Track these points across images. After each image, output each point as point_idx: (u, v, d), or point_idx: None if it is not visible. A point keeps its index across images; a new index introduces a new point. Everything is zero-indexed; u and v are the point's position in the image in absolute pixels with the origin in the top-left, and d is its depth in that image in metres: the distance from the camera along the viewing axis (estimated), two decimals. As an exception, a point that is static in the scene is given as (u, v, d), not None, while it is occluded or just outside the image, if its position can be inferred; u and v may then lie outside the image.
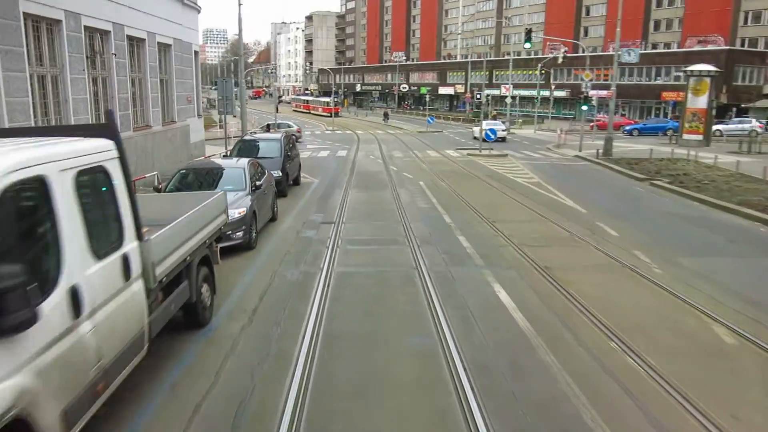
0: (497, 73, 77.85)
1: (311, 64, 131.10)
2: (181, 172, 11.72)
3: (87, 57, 14.26)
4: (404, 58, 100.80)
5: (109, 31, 15.49)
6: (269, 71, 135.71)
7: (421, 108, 76.26)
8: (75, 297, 3.80)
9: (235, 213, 9.61)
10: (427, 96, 73.00)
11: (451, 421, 4.78)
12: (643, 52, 63.91)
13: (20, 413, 3.17)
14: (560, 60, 49.29)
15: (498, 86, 72.84)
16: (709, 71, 31.04)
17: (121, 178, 4.79)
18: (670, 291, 8.01)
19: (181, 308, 6.10)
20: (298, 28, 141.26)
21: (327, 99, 79.33)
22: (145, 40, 18.05)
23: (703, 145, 29.92)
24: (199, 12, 24.20)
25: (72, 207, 3.98)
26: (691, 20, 64.26)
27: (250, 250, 10.17)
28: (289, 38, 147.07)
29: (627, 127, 44.91)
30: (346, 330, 6.73)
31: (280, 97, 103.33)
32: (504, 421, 4.73)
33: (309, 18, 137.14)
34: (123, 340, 4.50)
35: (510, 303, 7.53)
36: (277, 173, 15.13)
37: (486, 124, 35.16)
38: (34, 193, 3.73)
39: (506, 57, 71.97)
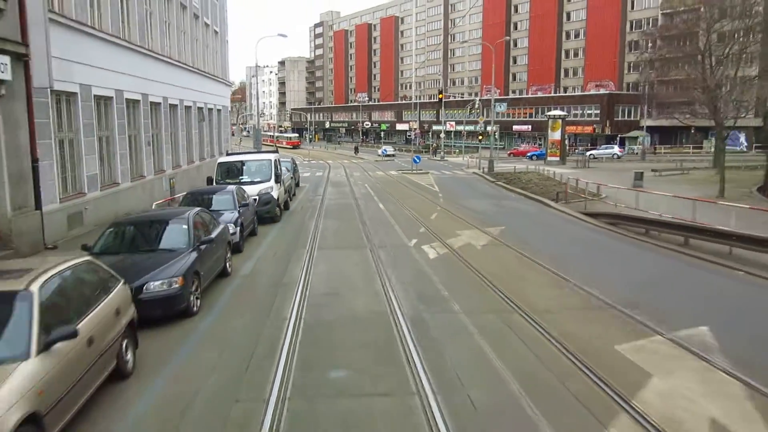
0: (444, 111, 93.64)
1: (284, 104, 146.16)
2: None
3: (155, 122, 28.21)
4: (367, 98, 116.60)
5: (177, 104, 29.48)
6: (245, 113, 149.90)
7: (381, 142, 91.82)
8: None
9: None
10: (385, 132, 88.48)
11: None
12: (550, 95, 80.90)
13: None
14: (476, 105, 64.22)
15: (444, 123, 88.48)
16: (560, 115, 46.55)
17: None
18: (448, 211, 22.21)
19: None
20: (271, 72, 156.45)
21: (290, 135, 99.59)
22: (203, 107, 31.95)
23: (560, 164, 45.05)
24: (229, 86, 38.44)
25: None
26: (590, 69, 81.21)
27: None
28: (263, 80, 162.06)
29: (529, 153, 60.33)
30: (332, 206, 20.69)
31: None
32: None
33: (282, 63, 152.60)
34: None
35: (387, 215, 21.63)
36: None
37: (414, 154, 50.06)
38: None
39: (451, 99, 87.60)
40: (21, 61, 11.98)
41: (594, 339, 7.73)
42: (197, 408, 6.00)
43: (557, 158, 46.28)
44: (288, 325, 8.35)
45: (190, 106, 27.61)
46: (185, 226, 9.65)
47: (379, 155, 63.45)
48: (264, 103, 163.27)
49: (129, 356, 6.68)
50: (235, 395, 6.24)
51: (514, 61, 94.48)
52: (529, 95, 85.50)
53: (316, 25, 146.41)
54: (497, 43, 68.85)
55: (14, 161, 11.93)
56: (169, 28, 24.50)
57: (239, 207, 14.17)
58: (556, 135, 46.07)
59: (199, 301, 9.05)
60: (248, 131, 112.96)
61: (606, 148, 56.37)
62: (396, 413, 5.82)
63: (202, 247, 9.48)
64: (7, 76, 11.36)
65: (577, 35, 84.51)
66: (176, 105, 25.11)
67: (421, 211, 21.08)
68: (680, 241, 15.13)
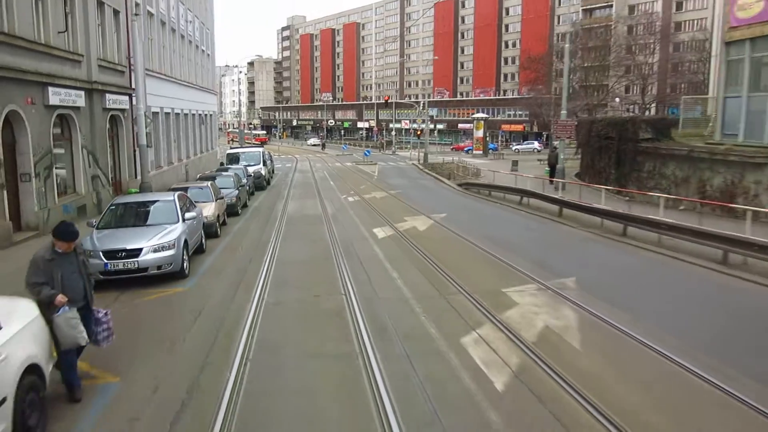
0: (399, 111, 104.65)
1: (253, 103, 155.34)
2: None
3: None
4: (331, 98, 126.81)
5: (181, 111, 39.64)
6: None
7: (344, 138, 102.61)
8: None
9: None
10: (347, 129, 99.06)
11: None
12: (490, 98, 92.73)
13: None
14: (422, 108, 75.09)
15: (400, 121, 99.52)
16: (482, 117, 58.03)
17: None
18: (374, 185, 33.08)
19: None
20: (241, 72, 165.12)
21: (258, 132, 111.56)
22: (202, 113, 42.08)
23: (482, 157, 56.41)
24: (216, 95, 48.54)
25: None
26: (523, 74, 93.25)
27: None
28: (233, 80, 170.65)
29: (466, 149, 71.78)
30: (300, 181, 31.35)
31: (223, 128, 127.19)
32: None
33: (251, 63, 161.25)
34: None
35: (334, 186, 32.37)
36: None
37: (364, 148, 60.86)
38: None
39: (406, 100, 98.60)
40: (129, 95, 22.44)
41: (443, 241, 18.59)
42: (217, 300, 16.45)
43: (481, 152, 57.70)
44: (281, 225, 19.03)
45: (194, 113, 37.88)
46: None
47: (344, 150, 74.12)
48: (234, 101, 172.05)
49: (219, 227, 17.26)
50: (233, 301, 16.38)
51: (462, 66, 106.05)
52: (473, 97, 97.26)
53: (284, 29, 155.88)
54: (443, 50, 79.69)
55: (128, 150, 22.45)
56: (180, 57, 34.68)
57: (240, 184, 21.99)
58: (479, 133, 57.51)
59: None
60: (220, 128, 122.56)
61: (528, 144, 68.11)
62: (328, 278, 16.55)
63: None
64: (126, 105, 21.82)
65: (514, 45, 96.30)
66: (187, 113, 35.39)
67: (357, 184, 31.98)
68: (515, 200, 25.79)
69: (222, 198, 17.50)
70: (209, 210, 15.08)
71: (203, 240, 13.53)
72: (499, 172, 33.31)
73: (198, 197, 15.00)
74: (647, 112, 58.96)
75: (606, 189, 21.38)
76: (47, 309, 5.54)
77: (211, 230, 14.79)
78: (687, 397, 6.04)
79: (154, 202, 12.51)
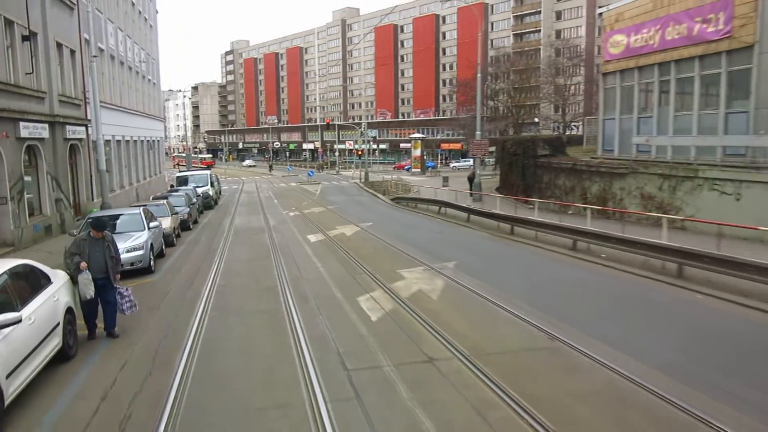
0: (343, 132, 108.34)
1: (198, 126, 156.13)
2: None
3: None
4: (276, 120, 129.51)
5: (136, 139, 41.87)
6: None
7: (290, 160, 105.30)
8: None
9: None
10: (293, 151, 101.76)
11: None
12: (430, 118, 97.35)
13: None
14: (363, 130, 78.88)
15: (344, 142, 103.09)
16: (419, 137, 62.11)
17: None
18: (315, 202, 36.18)
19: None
20: (185, 96, 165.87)
21: (204, 156, 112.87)
22: (150, 140, 44.27)
23: (420, 174, 60.33)
24: (162, 121, 50.73)
25: None
26: (459, 95, 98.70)
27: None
28: (177, 104, 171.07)
29: (406, 167, 75.78)
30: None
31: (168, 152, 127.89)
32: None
33: (195, 88, 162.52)
34: None
35: (278, 204, 35.30)
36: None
37: (309, 169, 63.94)
38: None
39: (349, 122, 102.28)
40: (85, 126, 24.94)
41: (363, 241, 21.80)
42: (193, 274, 19.55)
43: (419, 170, 61.68)
44: (229, 235, 21.90)
45: (143, 140, 40.16)
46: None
47: (289, 171, 77.01)
48: (178, 125, 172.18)
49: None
50: (192, 285, 19.82)
51: (402, 88, 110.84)
52: (414, 118, 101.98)
53: (227, 53, 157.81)
54: (384, 73, 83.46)
55: (87, 175, 24.88)
56: (128, 88, 37.06)
57: (191, 203, 27.02)
58: (417, 152, 61.55)
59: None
60: (166, 152, 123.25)
61: (465, 161, 72.57)
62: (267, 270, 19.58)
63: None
64: (83, 135, 24.33)
65: (451, 67, 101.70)
66: (137, 140, 37.70)
67: (299, 202, 35.05)
68: (436, 210, 29.55)
69: (176, 213, 20.31)
70: (167, 222, 17.91)
71: (163, 247, 16.38)
72: (425, 186, 37.05)
73: (156, 213, 17.80)
74: (569, 131, 64.44)
75: (514, 198, 25.33)
76: (76, 271, 8.48)
77: (168, 239, 17.62)
78: (493, 319, 9.47)
79: (123, 214, 15.32)
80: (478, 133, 31.44)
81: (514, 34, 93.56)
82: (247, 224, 24.68)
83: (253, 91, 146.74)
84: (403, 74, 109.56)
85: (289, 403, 6.37)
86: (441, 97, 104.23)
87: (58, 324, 7.56)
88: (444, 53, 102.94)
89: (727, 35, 18.58)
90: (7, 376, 5.94)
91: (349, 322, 9.43)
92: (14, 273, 7.08)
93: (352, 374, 7.11)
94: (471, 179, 32.23)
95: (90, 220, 14.78)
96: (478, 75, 31.57)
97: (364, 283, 12.13)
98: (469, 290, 11.31)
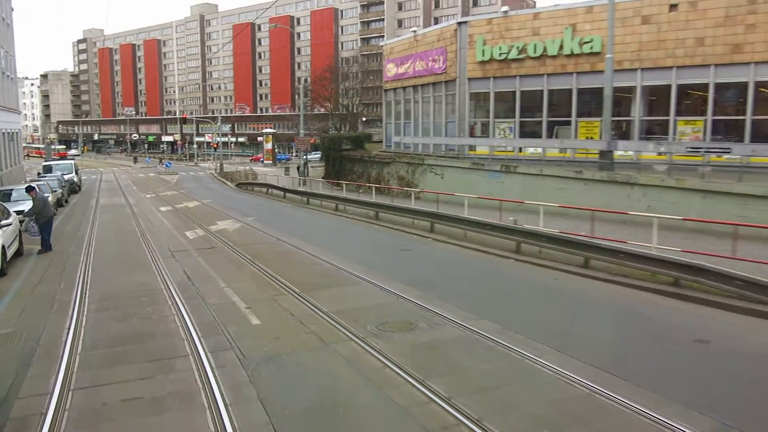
0: (203, 125, 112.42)
1: (48, 116, 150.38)
2: None
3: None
4: (134, 112, 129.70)
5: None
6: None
7: (150, 152, 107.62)
8: None
9: None
10: (151, 143, 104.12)
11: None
12: (286, 114, 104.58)
13: None
14: (218, 124, 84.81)
15: (203, 135, 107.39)
16: (271, 132, 69.64)
17: None
18: (171, 188, 42.71)
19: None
20: (33, 84, 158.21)
21: (58, 147, 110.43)
22: (6, 133, 47.66)
23: (271, 166, 67.81)
24: (20, 113, 53.73)
25: None
26: (314, 93, 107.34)
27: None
28: (24, 92, 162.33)
29: (261, 159, 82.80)
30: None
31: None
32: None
33: (44, 76, 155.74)
34: None
35: (137, 191, 41.42)
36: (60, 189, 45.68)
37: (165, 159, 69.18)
38: None
39: (209, 116, 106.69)
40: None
41: (199, 209, 29.25)
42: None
43: (271, 161, 69.25)
44: (97, 209, 28.49)
45: (3, 132, 44.05)
46: None
47: (147, 163, 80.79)
48: (26, 114, 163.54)
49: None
50: (78, 231, 26.54)
51: (260, 84, 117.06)
52: (271, 113, 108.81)
53: (80, 41, 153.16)
54: (243, 68, 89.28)
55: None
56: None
57: (62, 186, 33.10)
58: (269, 146, 69.19)
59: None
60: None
61: (315, 154, 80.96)
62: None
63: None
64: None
65: (306, 66, 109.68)
66: (-1, 133, 41.76)
67: (156, 188, 41.53)
68: (265, 191, 37.55)
69: (56, 191, 26.83)
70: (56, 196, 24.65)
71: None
72: (270, 175, 44.99)
73: (46, 188, 24.36)
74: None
75: (329, 182, 34.23)
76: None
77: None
78: (260, 237, 17.95)
79: None
80: (301, 131, 40.04)
81: (361, 38, 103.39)
82: (110, 202, 31.20)
83: (108, 82, 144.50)
84: (261, 71, 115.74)
85: (145, 265, 14.37)
86: (296, 94, 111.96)
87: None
88: (299, 52, 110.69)
89: (444, 71, 28.68)
90: (8, 246, 13.45)
91: (177, 239, 17.45)
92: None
93: (174, 254, 15.20)
94: (298, 168, 40.82)
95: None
96: (299, 85, 40.05)
97: (192, 229, 20.11)
98: (255, 228, 19.70)
